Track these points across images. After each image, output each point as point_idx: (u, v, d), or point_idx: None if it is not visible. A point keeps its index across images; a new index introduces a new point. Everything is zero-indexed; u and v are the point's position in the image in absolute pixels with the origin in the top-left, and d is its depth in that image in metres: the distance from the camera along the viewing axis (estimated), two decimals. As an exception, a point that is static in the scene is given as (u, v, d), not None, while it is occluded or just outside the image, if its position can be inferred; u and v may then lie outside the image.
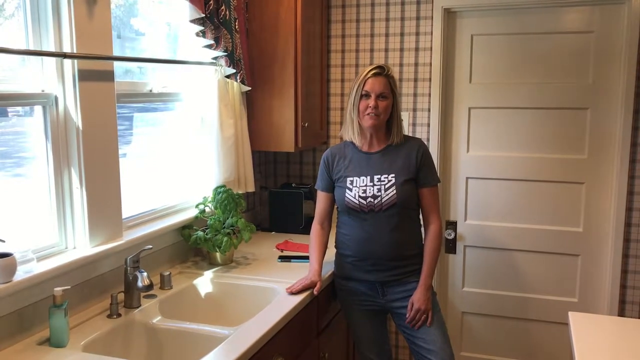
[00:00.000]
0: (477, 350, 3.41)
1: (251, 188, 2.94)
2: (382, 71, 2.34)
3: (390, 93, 2.35)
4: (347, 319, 2.57)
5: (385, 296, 2.43)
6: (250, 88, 2.97)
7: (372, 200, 2.34)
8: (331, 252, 2.56)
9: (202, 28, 2.58)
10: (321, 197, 2.53)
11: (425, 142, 2.48)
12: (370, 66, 2.38)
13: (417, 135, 3.23)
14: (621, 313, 3.08)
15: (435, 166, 2.52)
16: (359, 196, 2.36)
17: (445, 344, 2.35)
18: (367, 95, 2.33)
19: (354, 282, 2.46)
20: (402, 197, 2.34)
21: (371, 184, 2.36)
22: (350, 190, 2.38)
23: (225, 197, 2.65)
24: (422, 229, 2.47)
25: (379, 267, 2.38)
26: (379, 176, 2.36)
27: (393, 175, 2.35)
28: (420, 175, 2.38)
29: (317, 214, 2.54)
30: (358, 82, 2.34)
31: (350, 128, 2.42)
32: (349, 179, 2.40)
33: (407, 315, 2.36)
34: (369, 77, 2.33)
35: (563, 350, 3.24)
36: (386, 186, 2.34)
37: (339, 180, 2.44)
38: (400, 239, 2.37)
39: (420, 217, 2.47)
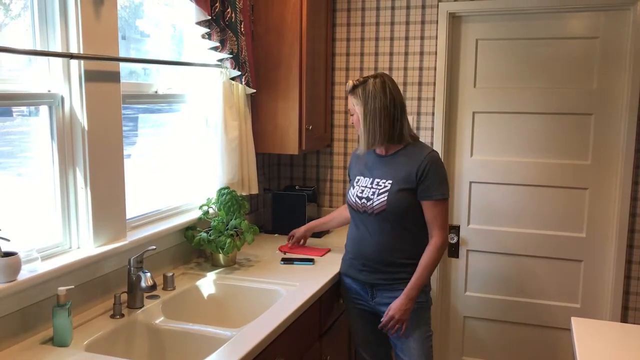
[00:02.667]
0: (478, 355, 3.41)
1: (255, 190, 2.94)
2: (347, 89, 2.40)
3: (353, 108, 2.39)
4: (347, 316, 2.61)
5: (374, 299, 2.43)
6: (255, 90, 2.97)
7: (365, 201, 2.36)
8: (331, 257, 2.57)
9: (208, 30, 2.59)
10: None
11: (433, 154, 2.37)
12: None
13: (421, 139, 3.22)
14: (624, 319, 3.08)
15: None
16: (357, 195, 2.40)
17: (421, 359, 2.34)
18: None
19: (350, 280, 2.50)
20: (392, 205, 2.31)
21: (370, 186, 2.37)
22: (353, 187, 2.44)
23: (228, 198, 2.66)
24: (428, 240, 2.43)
25: (368, 268, 2.40)
26: (378, 180, 2.37)
27: (390, 181, 2.34)
28: (420, 187, 2.31)
29: None
30: None
31: None
32: (357, 177, 2.46)
33: (382, 319, 2.36)
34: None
35: (565, 355, 3.23)
36: (380, 191, 2.34)
37: (352, 177, 2.51)
38: (388, 245, 2.34)
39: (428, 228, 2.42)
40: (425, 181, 2.31)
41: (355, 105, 2.37)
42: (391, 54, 3.30)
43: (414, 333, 2.35)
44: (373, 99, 2.33)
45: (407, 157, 2.37)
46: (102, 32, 2.05)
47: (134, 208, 2.38)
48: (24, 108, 1.98)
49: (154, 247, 2.21)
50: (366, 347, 2.54)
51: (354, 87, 2.36)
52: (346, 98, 3.37)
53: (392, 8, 3.26)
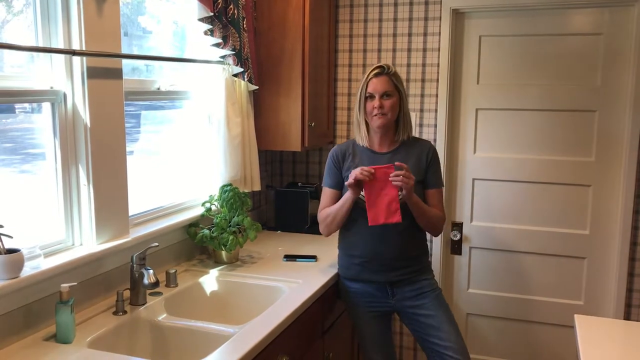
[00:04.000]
0: (482, 352, 3.40)
1: (257, 187, 2.94)
2: (382, 70, 2.35)
3: (394, 91, 2.35)
4: (352, 320, 2.57)
5: (395, 296, 2.42)
6: (257, 87, 2.97)
7: None
8: (334, 254, 2.56)
9: (211, 26, 2.59)
10: (328, 194, 2.49)
11: (432, 143, 2.49)
12: (371, 67, 2.40)
13: (424, 136, 3.23)
14: (627, 316, 3.07)
15: (442, 167, 2.53)
16: None
17: (459, 338, 2.37)
18: (372, 97, 2.35)
19: (361, 284, 2.46)
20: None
21: None
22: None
23: (231, 195, 2.66)
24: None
25: (388, 267, 2.38)
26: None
27: None
28: (427, 176, 2.40)
29: (322, 208, 2.50)
30: (361, 84, 2.38)
31: (358, 131, 2.44)
32: None
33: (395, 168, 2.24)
34: (370, 78, 2.36)
35: (568, 353, 3.22)
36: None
37: (348, 178, 2.43)
38: (407, 240, 2.38)
39: None
40: (431, 169, 2.42)
41: (396, 88, 2.36)
42: (394, 50, 3.28)
43: (445, 316, 2.38)
44: (402, 86, 2.42)
45: (409, 150, 2.41)
46: (104, 29, 2.04)
47: (136, 205, 2.37)
48: (26, 105, 1.98)
49: (157, 244, 2.21)
50: (376, 349, 2.51)
51: (389, 69, 2.37)
52: (348, 94, 3.39)
53: (395, 4, 3.25)
